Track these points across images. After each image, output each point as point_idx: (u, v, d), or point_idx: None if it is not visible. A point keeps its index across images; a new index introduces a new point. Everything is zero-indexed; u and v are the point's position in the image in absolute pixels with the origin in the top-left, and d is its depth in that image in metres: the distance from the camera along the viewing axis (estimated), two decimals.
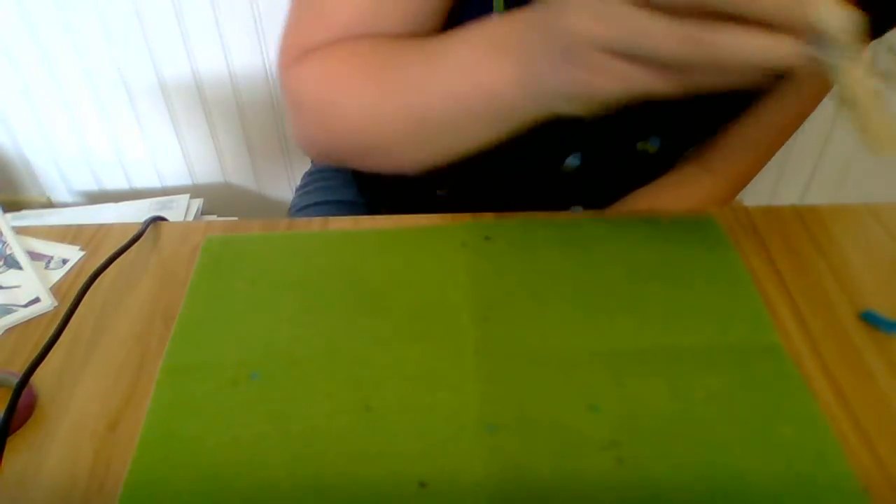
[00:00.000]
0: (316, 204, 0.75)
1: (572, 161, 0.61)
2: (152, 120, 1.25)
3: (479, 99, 0.41)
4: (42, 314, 0.46)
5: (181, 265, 0.49)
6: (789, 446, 0.36)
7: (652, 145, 0.58)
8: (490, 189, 0.61)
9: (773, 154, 0.65)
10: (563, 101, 0.37)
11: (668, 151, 0.60)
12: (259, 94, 1.22)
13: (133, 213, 1.19)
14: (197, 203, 1.21)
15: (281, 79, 0.51)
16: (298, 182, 0.81)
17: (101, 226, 0.53)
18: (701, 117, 0.58)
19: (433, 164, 0.47)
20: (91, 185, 1.35)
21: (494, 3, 0.48)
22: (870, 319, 0.42)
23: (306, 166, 0.83)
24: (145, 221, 0.51)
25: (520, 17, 0.39)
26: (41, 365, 0.39)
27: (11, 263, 0.50)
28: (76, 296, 0.43)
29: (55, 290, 0.47)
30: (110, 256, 0.47)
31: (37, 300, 0.46)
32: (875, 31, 0.49)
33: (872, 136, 0.33)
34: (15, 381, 0.39)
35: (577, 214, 0.52)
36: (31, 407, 0.39)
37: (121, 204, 1.24)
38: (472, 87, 0.41)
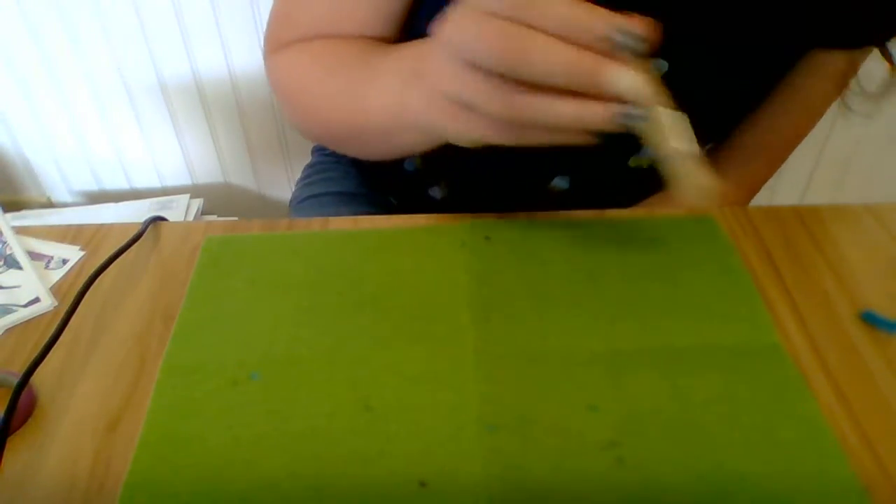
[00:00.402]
0: (317, 195, 0.75)
1: (559, 182, 0.62)
2: (152, 120, 1.25)
3: (387, 117, 0.45)
4: (42, 314, 0.46)
5: (181, 265, 0.49)
6: (789, 446, 0.36)
7: (646, 159, 0.58)
8: (485, 195, 0.61)
9: (784, 159, 0.66)
10: (435, 134, 0.40)
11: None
12: (259, 94, 1.22)
13: (133, 213, 1.19)
14: (197, 203, 1.21)
15: (265, 66, 0.55)
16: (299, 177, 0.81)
17: (101, 226, 0.53)
18: (696, 128, 0.58)
19: (390, 157, 0.51)
20: (91, 185, 1.35)
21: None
22: (869, 320, 0.42)
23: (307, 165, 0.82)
24: (145, 221, 0.51)
25: (417, 44, 0.43)
26: (41, 365, 0.39)
27: (11, 263, 0.50)
28: (76, 296, 0.43)
29: (55, 290, 0.47)
30: (110, 256, 0.47)
31: (37, 300, 0.46)
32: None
33: (684, 188, 0.35)
34: (15, 381, 0.39)
35: (577, 214, 0.52)
36: (31, 407, 0.39)
37: (121, 204, 1.24)
38: (381, 105, 0.45)
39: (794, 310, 0.43)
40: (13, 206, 1.33)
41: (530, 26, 0.31)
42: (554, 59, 0.31)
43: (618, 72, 0.31)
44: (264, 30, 0.56)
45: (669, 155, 0.34)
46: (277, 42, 0.54)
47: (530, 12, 0.31)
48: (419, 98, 0.40)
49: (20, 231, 0.52)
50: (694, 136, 0.34)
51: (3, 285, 0.48)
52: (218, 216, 1.27)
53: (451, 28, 0.34)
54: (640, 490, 0.34)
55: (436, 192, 0.66)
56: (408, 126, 0.43)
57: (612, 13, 0.31)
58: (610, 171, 0.62)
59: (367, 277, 0.46)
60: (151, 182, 1.34)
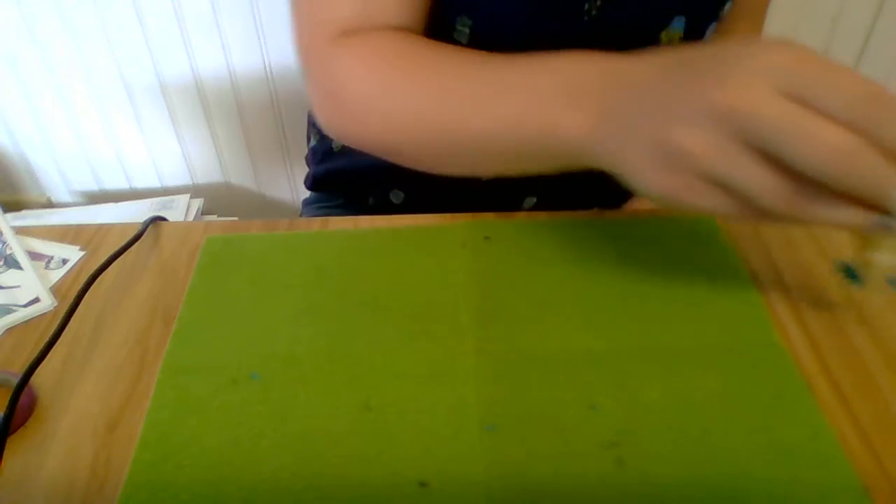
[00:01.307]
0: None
1: (528, 201, 0.63)
2: (152, 120, 1.25)
3: (540, 135, 0.40)
4: (42, 314, 0.46)
5: (181, 265, 0.49)
6: (789, 446, 0.36)
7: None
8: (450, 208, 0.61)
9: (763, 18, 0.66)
10: (628, 175, 0.37)
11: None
12: (259, 94, 1.22)
13: (133, 213, 1.19)
14: (197, 203, 1.21)
15: (310, 57, 0.49)
16: (298, 182, 0.81)
17: (101, 226, 0.53)
18: None
19: (446, 174, 0.48)
20: (91, 185, 1.35)
21: None
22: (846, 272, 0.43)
23: (306, 166, 0.82)
24: (145, 221, 0.51)
25: (615, 70, 0.38)
26: (41, 365, 0.39)
27: (11, 263, 0.50)
28: (76, 296, 0.43)
29: (55, 290, 0.47)
30: (110, 256, 0.47)
31: (37, 300, 0.46)
32: None
33: (857, 305, 0.39)
34: (15, 381, 0.39)
35: (577, 214, 0.52)
36: (31, 407, 0.39)
37: (121, 204, 1.24)
38: (538, 122, 0.40)
39: (794, 310, 0.43)
40: (13, 206, 1.33)
41: (817, 109, 0.29)
42: (878, 178, 0.29)
43: None
44: (298, 16, 0.49)
45: (877, 272, 0.35)
46: (336, 27, 0.48)
47: (876, 117, 0.29)
48: (631, 141, 0.35)
49: (20, 231, 0.52)
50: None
51: (3, 285, 0.48)
52: (218, 216, 1.27)
53: (740, 100, 0.30)
54: (640, 490, 0.34)
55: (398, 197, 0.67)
56: (543, 147, 0.40)
57: None
58: (573, 194, 0.63)
59: (367, 277, 0.46)
60: (151, 182, 1.34)
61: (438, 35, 0.51)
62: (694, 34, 0.56)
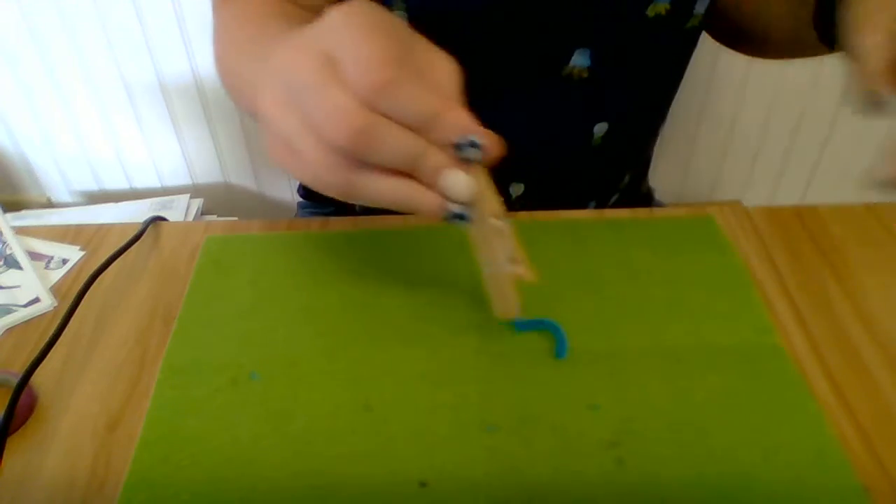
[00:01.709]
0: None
1: (516, 189, 0.64)
2: (152, 120, 1.25)
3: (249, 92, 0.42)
4: (42, 314, 0.46)
5: (181, 265, 0.49)
6: (789, 446, 0.36)
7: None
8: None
9: None
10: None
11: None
12: None
13: (133, 213, 1.19)
14: (197, 203, 1.21)
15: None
16: (298, 183, 0.81)
17: (101, 226, 0.53)
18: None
19: None
20: (91, 185, 1.35)
21: None
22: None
23: None
24: (145, 221, 0.51)
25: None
26: (41, 365, 0.39)
27: (11, 263, 0.50)
28: (76, 296, 0.43)
29: (55, 290, 0.47)
30: (110, 256, 0.47)
31: (37, 300, 0.46)
32: None
33: (493, 299, 0.39)
34: (15, 381, 0.39)
35: (577, 214, 0.52)
36: (31, 407, 0.39)
37: (121, 204, 1.24)
38: (250, 76, 0.42)
39: (794, 310, 0.43)
40: (13, 206, 1.32)
41: (385, 113, 0.30)
42: (399, 149, 0.30)
43: (453, 176, 0.31)
44: None
45: (485, 265, 0.36)
46: None
47: (390, 101, 0.30)
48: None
49: (20, 231, 0.52)
50: (514, 253, 0.35)
51: (3, 285, 0.48)
52: (218, 216, 1.27)
53: (306, 89, 0.31)
54: (640, 490, 0.34)
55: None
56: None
57: (468, 117, 0.31)
58: (566, 175, 0.63)
59: (366, 277, 0.46)
60: (151, 182, 1.34)
61: None
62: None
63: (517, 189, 0.64)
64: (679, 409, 0.38)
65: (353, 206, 0.70)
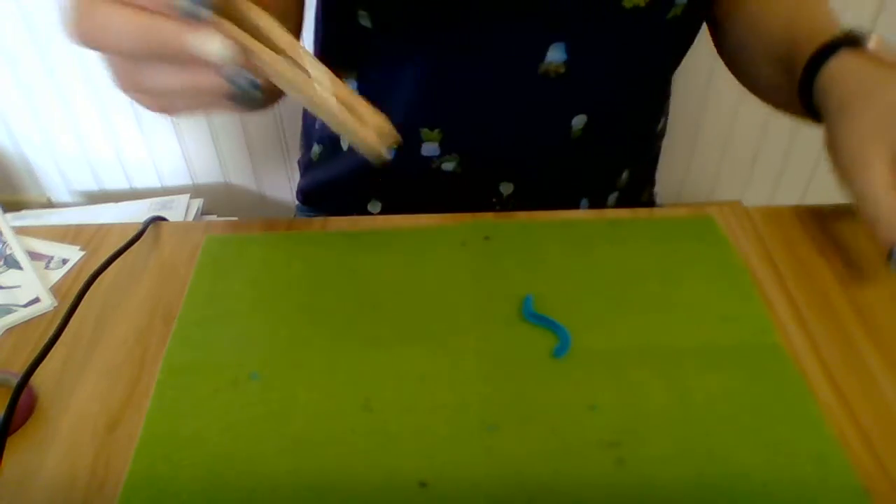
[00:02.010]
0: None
1: (506, 188, 0.63)
2: (152, 120, 1.25)
3: None
4: (42, 314, 0.46)
5: (181, 265, 0.49)
6: (789, 446, 0.36)
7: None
8: (428, 206, 0.61)
9: None
10: None
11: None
12: None
13: (133, 213, 1.19)
14: (197, 203, 1.21)
15: None
16: (298, 187, 0.81)
17: (101, 226, 0.53)
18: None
19: None
20: (91, 185, 1.35)
21: None
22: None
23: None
24: (145, 221, 0.51)
25: None
26: (41, 365, 0.39)
27: (11, 263, 0.50)
28: (76, 296, 0.43)
29: (55, 290, 0.47)
30: (110, 256, 0.47)
31: (37, 300, 0.46)
32: None
33: (353, 139, 0.32)
34: (15, 381, 0.39)
35: (577, 214, 0.52)
36: (31, 407, 0.39)
37: (121, 204, 1.24)
38: None
39: (794, 310, 0.43)
40: (13, 206, 1.32)
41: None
42: (126, 28, 0.29)
43: (199, 36, 0.29)
44: None
45: (317, 105, 0.31)
46: None
47: None
48: None
49: (20, 231, 0.52)
50: (335, 77, 0.32)
51: (3, 285, 0.48)
52: (218, 216, 1.27)
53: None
54: (640, 490, 0.34)
55: (375, 207, 0.67)
56: None
57: None
58: (555, 174, 0.63)
59: (367, 277, 0.46)
60: (151, 182, 1.34)
61: (344, 20, 0.56)
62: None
63: (507, 188, 0.64)
64: (679, 409, 0.38)
65: (345, 211, 0.70)
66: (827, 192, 1.32)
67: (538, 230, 0.50)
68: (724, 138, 1.25)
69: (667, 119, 0.71)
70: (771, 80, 0.55)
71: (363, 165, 0.65)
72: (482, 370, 0.40)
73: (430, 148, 0.61)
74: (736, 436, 0.36)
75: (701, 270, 0.46)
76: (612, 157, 0.65)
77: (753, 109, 1.20)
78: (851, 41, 0.45)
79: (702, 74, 1.15)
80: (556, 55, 0.55)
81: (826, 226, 0.50)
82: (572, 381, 0.39)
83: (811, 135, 1.24)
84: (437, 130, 0.60)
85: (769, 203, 1.34)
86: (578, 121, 0.59)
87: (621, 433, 0.37)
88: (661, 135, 0.71)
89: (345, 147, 0.67)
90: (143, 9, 0.29)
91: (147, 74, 0.32)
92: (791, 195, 1.34)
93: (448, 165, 0.62)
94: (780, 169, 1.30)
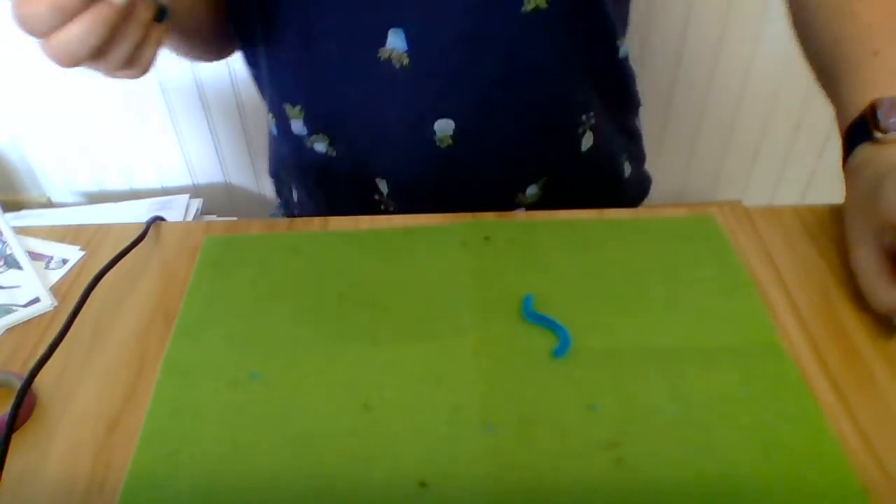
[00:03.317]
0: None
1: (531, 191, 0.62)
2: (152, 120, 1.25)
3: None
4: (42, 314, 0.46)
5: (181, 265, 0.49)
6: (789, 446, 0.36)
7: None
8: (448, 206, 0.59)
9: None
10: None
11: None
12: (259, 95, 1.21)
13: (133, 213, 1.19)
14: (197, 203, 1.21)
15: None
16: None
17: (101, 226, 0.53)
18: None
19: None
20: (91, 185, 1.35)
21: None
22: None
23: None
24: (147, 221, 0.51)
25: None
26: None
27: (11, 263, 0.50)
28: (81, 297, 0.43)
29: (55, 290, 0.47)
30: (115, 257, 0.47)
31: (37, 300, 0.46)
32: None
33: None
34: (15, 381, 0.39)
35: (577, 214, 0.52)
36: (31, 407, 0.39)
37: (121, 204, 1.24)
38: None
39: (794, 310, 0.43)
40: (13, 206, 1.32)
41: None
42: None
43: None
44: None
45: None
46: None
47: None
48: None
49: (20, 231, 0.52)
50: None
51: (3, 285, 0.48)
52: (218, 216, 1.27)
53: None
54: (640, 490, 0.34)
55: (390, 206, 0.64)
56: None
57: None
58: (583, 174, 0.61)
59: (367, 277, 0.46)
60: (151, 182, 1.34)
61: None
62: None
63: (383, 186, 0.61)
64: (679, 408, 0.38)
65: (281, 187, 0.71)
66: (827, 192, 1.32)
67: (538, 230, 0.50)
68: (724, 138, 1.25)
69: (610, 112, 0.63)
70: (819, 77, 0.53)
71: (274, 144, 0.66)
72: (482, 370, 0.40)
73: (297, 125, 0.61)
74: (736, 436, 0.36)
75: (701, 270, 0.46)
76: (503, 170, 0.60)
77: (753, 109, 1.20)
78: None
79: (702, 74, 1.15)
80: (396, 42, 0.53)
81: (826, 226, 0.50)
82: (572, 381, 0.39)
83: (811, 135, 1.24)
84: (297, 108, 0.59)
85: (769, 203, 1.34)
86: (443, 126, 0.56)
87: (621, 433, 0.37)
88: (606, 130, 0.64)
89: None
90: None
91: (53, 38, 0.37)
92: (791, 195, 1.34)
93: (320, 147, 0.60)
94: (780, 169, 1.30)
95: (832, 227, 0.49)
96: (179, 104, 1.23)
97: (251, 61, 0.64)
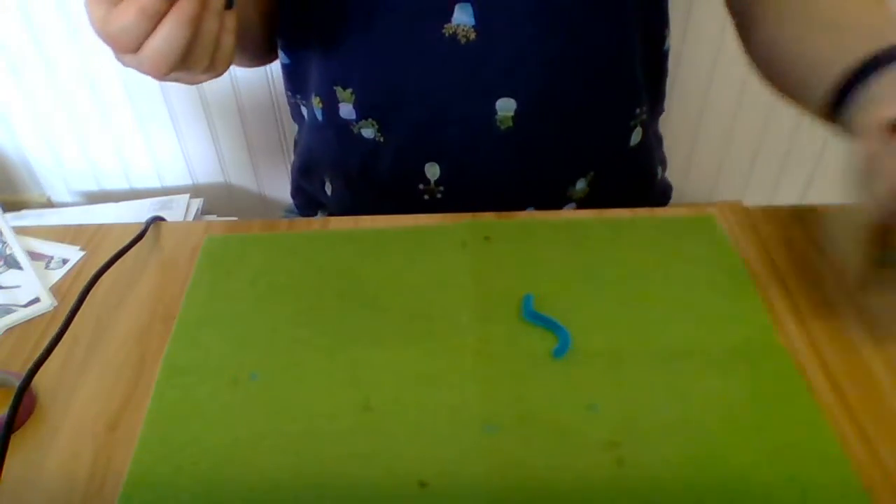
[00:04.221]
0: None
1: (580, 186, 0.61)
2: (152, 120, 1.25)
3: None
4: (42, 314, 0.46)
5: (181, 265, 0.49)
6: (789, 446, 0.36)
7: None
8: (489, 197, 0.60)
9: None
10: None
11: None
12: (259, 95, 1.21)
13: (133, 213, 1.18)
14: (197, 203, 1.21)
15: None
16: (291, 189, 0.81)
17: (101, 226, 0.53)
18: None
19: None
20: (91, 185, 1.35)
21: None
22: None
23: None
24: (147, 221, 0.51)
25: None
26: (41, 365, 0.39)
27: (11, 263, 0.50)
28: (79, 296, 0.43)
29: (55, 290, 0.47)
30: (113, 256, 0.47)
31: (37, 300, 0.46)
32: None
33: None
34: (15, 381, 0.39)
35: (577, 214, 0.52)
36: (31, 407, 0.39)
37: (121, 204, 1.23)
38: None
39: (794, 310, 0.43)
40: (13, 206, 1.32)
41: None
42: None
43: None
44: None
45: None
46: None
47: None
48: None
49: (20, 231, 0.52)
50: None
51: (3, 285, 0.48)
52: (218, 216, 1.27)
53: None
54: (640, 490, 0.34)
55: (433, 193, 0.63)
56: None
57: None
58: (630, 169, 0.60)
59: (367, 277, 0.46)
60: (151, 182, 1.34)
61: None
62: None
63: (433, 171, 0.60)
64: (679, 409, 0.38)
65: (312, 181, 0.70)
66: (827, 192, 1.32)
67: (538, 230, 0.50)
68: (724, 138, 1.25)
69: (652, 109, 0.64)
70: (813, 105, 0.49)
71: (312, 134, 0.66)
72: (482, 370, 0.40)
73: (346, 109, 0.59)
74: (736, 435, 0.36)
75: (701, 270, 0.46)
76: (559, 158, 0.59)
77: (753, 109, 1.20)
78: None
79: (702, 74, 1.15)
80: (463, 17, 0.52)
81: (826, 226, 0.50)
82: (572, 381, 0.39)
83: (811, 135, 1.24)
84: (349, 90, 0.58)
85: (769, 203, 1.34)
86: (505, 106, 0.55)
87: (621, 433, 0.37)
88: (650, 128, 0.64)
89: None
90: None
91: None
92: (791, 195, 1.33)
93: (368, 132, 0.59)
94: (780, 169, 1.30)
95: (832, 227, 0.49)
96: (179, 104, 1.23)
97: (293, 48, 0.63)
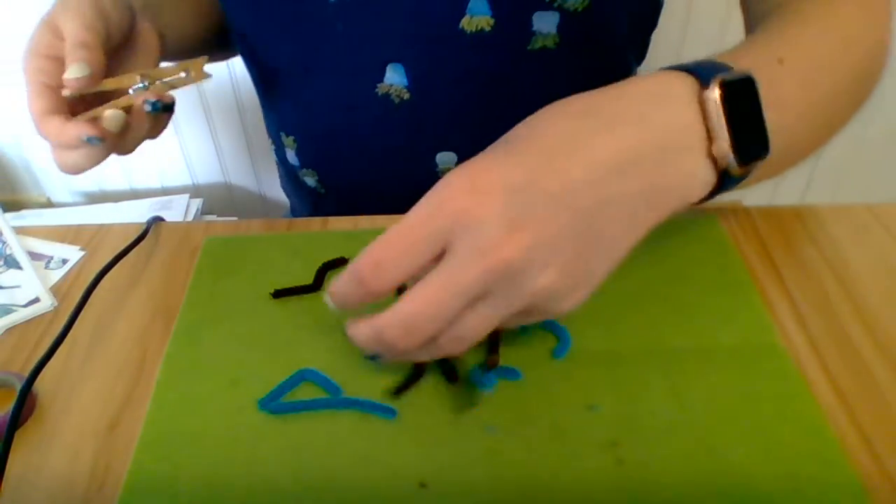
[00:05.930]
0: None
1: None
2: None
3: None
4: (42, 314, 0.46)
5: (181, 265, 0.49)
6: (789, 446, 0.36)
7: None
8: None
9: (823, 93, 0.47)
10: None
11: None
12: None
13: (133, 213, 1.19)
14: (197, 203, 1.21)
15: None
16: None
17: (101, 226, 0.53)
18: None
19: None
20: (91, 185, 1.35)
21: None
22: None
23: None
24: (148, 221, 0.52)
25: None
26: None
27: (11, 263, 0.50)
28: (82, 297, 0.43)
29: (55, 290, 0.47)
30: (115, 257, 0.47)
31: (37, 300, 0.46)
32: None
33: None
34: (15, 381, 0.39)
35: None
36: (31, 407, 0.39)
37: (121, 204, 1.24)
38: None
39: (794, 310, 0.43)
40: (13, 206, 1.32)
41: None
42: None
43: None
44: None
45: None
46: None
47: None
48: None
49: (20, 231, 0.53)
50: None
51: (3, 285, 0.48)
52: (218, 216, 1.27)
53: None
54: (640, 490, 0.34)
55: None
56: None
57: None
58: None
59: None
60: (151, 182, 1.34)
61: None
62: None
63: None
64: (679, 409, 0.38)
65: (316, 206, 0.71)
66: (827, 192, 1.32)
67: None
68: None
69: None
70: None
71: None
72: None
73: (290, 155, 0.61)
74: (736, 436, 0.36)
75: (701, 270, 0.46)
76: None
77: None
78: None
79: None
80: (395, 77, 0.52)
81: (826, 226, 0.50)
82: (572, 381, 0.39)
83: None
84: (291, 138, 0.59)
85: (769, 203, 1.34)
86: (445, 159, 0.55)
87: (621, 433, 0.37)
88: None
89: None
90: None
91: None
92: (791, 195, 1.33)
93: (309, 181, 0.61)
94: None
95: (832, 227, 0.49)
96: (179, 104, 1.23)
97: (254, 82, 0.64)
